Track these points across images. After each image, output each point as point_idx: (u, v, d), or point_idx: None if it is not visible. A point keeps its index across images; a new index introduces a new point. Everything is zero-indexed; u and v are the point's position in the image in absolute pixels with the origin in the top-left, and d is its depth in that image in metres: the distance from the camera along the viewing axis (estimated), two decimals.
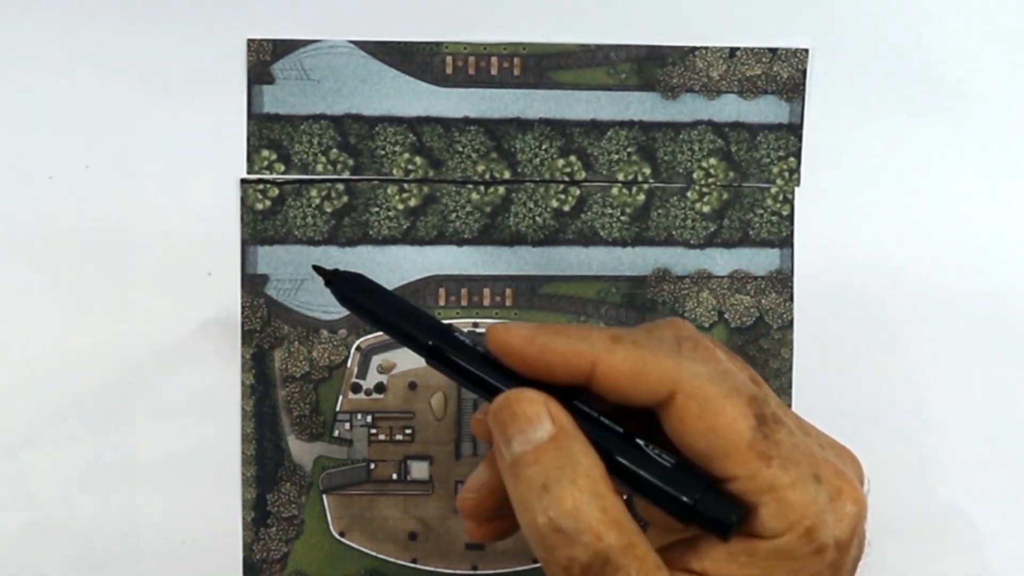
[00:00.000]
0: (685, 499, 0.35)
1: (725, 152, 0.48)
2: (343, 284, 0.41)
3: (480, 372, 0.38)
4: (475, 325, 0.48)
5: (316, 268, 0.42)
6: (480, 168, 0.48)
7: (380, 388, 0.48)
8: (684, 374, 0.35)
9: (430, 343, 0.38)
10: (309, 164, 0.48)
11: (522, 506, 0.35)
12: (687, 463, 0.36)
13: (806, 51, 0.48)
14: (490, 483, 0.38)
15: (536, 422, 0.36)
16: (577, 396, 0.37)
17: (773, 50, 0.48)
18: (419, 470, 0.48)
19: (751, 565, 0.35)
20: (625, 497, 0.36)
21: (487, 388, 0.38)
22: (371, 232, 0.48)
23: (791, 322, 0.48)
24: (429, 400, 0.48)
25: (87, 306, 0.47)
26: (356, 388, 0.48)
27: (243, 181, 0.47)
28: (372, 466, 0.48)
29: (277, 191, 0.47)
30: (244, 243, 0.47)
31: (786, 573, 0.34)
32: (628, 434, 0.36)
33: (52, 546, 0.47)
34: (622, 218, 0.48)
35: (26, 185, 0.47)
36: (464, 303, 0.48)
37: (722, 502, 0.35)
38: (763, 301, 0.48)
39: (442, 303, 0.48)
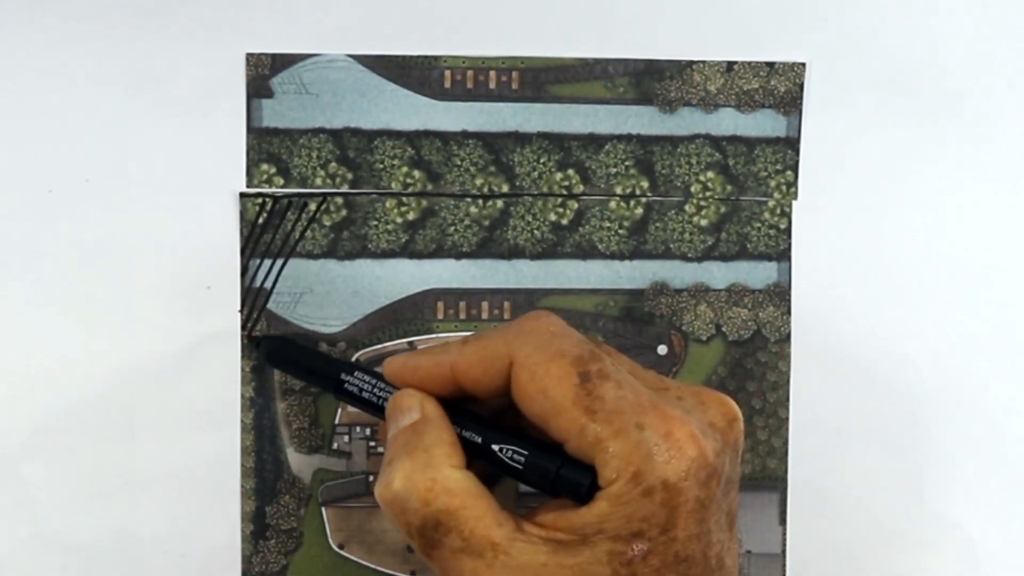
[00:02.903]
0: (545, 478, 0.39)
1: (723, 166, 0.48)
2: (267, 345, 0.47)
3: (381, 400, 0.43)
4: None
5: (250, 337, 0.47)
6: (478, 182, 0.48)
7: None
8: (515, 346, 0.39)
9: (340, 377, 0.43)
10: (308, 178, 0.48)
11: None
12: (542, 445, 0.39)
13: (803, 65, 0.48)
14: None
15: (408, 412, 0.41)
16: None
17: (770, 64, 0.48)
18: None
19: (588, 514, 0.37)
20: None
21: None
22: (370, 245, 0.48)
23: (788, 335, 0.49)
24: None
25: (87, 319, 0.47)
26: None
27: (242, 195, 0.48)
28: (371, 479, 0.48)
29: (276, 204, 0.48)
30: (243, 256, 0.48)
31: (621, 518, 0.37)
32: (486, 441, 0.40)
33: (52, 559, 0.47)
34: (620, 231, 0.48)
35: (26, 198, 0.47)
36: (462, 316, 0.48)
37: (574, 474, 0.38)
38: (760, 314, 0.49)
39: (440, 316, 0.48)
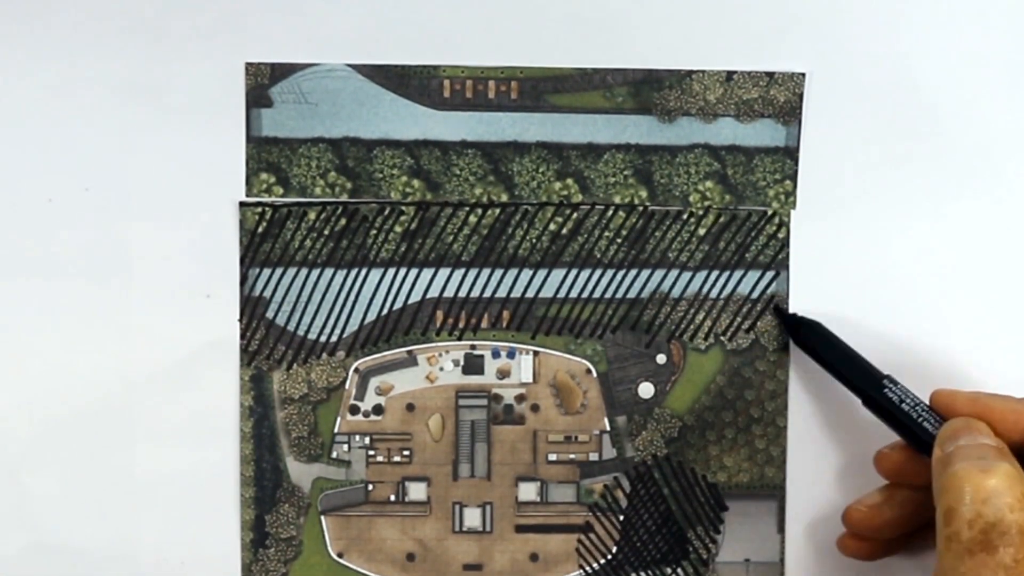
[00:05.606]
0: None
1: (721, 175, 0.48)
2: (805, 330, 0.48)
3: (919, 422, 0.44)
4: (472, 347, 0.48)
5: (776, 309, 0.48)
6: (477, 191, 0.48)
7: (378, 410, 0.48)
8: None
9: (883, 388, 0.45)
10: (307, 187, 0.48)
11: (953, 467, 0.40)
12: None
13: (803, 75, 0.48)
14: (880, 507, 0.45)
15: (985, 434, 0.42)
16: None
17: (770, 74, 0.48)
18: (417, 491, 0.48)
19: None
20: None
21: (922, 436, 0.44)
22: (369, 255, 0.48)
23: (787, 344, 0.49)
24: (427, 422, 0.48)
25: (86, 328, 0.47)
26: (354, 410, 0.48)
27: (242, 204, 0.48)
28: (370, 487, 0.48)
29: (275, 214, 0.48)
30: (243, 265, 0.48)
31: None
32: None
33: (51, 568, 0.47)
34: (619, 241, 0.48)
35: (25, 207, 0.47)
36: (461, 325, 0.48)
37: None
38: (759, 323, 0.49)
39: (439, 325, 0.48)
